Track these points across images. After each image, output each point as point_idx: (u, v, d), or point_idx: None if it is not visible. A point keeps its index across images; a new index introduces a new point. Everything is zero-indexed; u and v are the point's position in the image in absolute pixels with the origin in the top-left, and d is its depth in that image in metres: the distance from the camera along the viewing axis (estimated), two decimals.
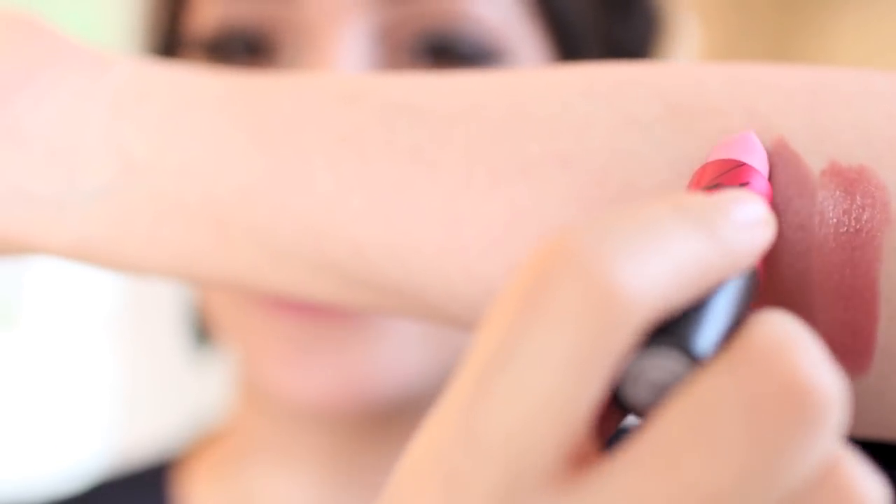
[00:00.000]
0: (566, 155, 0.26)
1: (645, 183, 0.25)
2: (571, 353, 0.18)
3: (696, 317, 0.20)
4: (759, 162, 0.24)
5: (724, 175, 0.23)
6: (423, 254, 0.27)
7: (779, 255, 0.24)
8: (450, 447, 0.19)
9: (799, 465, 0.18)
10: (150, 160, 0.29)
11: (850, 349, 0.24)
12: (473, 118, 0.27)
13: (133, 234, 0.30)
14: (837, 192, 0.24)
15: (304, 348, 0.45)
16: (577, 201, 0.26)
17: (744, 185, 0.23)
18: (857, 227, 0.24)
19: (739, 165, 0.24)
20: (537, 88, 0.28)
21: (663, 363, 0.20)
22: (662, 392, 0.20)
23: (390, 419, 0.49)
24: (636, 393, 0.20)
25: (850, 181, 0.24)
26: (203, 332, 0.57)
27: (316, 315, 0.45)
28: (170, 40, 0.51)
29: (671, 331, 0.20)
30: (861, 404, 0.25)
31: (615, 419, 0.22)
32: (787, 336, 0.19)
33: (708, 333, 0.20)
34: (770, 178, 0.24)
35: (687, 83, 0.26)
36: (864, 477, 0.19)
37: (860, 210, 0.24)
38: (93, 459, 1.39)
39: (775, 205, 0.24)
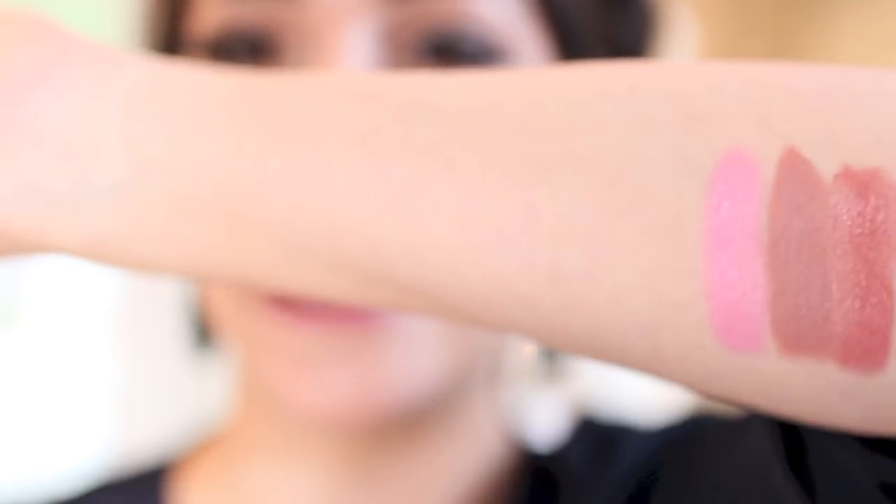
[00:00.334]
0: (581, 155, 0.26)
1: (658, 186, 0.25)
2: None
3: None
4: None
5: None
6: (438, 252, 0.27)
7: (791, 259, 0.24)
8: None
9: None
10: (165, 158, 0.29)
11: (867, 348, 0.24)
12: (489, 117, 0.27)
13: (147, 232, 0.30)
14: (851, 195, 0.24)
15: (315, 360, 0.44)
16: (591, 202, 0.26)
17: None
18: (872, 228, 0.24)
19: None
20: (553, 88, 0.28)
21: None
22: None
23: (403, 423, 0.47)
24: None
25: (864, 184, 0.24)
26: (204, 333, 0.57)
27: (327, 321, 0.43)
28: (170, 41, 0.51)
29: None
30: (878, 402, 0.25)
31: None
32: None
33: None
34: (779, 187, 0.25)
35: (701, 87, 0.26)
36: None
37: (875, 212, 0.24)
38: (92, 460, 1.39)
39: (783, 213, 0.24)
